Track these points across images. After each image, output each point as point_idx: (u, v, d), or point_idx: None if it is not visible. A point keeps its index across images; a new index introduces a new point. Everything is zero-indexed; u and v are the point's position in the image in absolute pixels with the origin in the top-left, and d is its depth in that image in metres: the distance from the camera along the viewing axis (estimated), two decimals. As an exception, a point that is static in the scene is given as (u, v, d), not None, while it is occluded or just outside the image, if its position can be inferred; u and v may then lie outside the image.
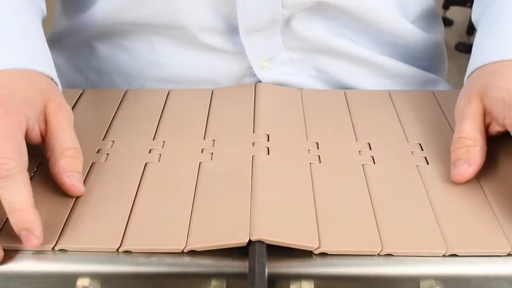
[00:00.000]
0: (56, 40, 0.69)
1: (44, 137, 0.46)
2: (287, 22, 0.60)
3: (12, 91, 0.45)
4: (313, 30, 0.61)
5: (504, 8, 0.54)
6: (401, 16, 0.63)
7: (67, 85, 0.68)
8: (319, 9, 0.60)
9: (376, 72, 0.65)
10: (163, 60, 0.63)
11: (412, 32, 0.65)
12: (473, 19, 0.60)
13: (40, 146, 0.47)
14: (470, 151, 0.47)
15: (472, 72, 0.52)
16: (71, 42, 0.67)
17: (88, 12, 0.62)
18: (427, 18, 0.68)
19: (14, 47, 0.49)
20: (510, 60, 0.49)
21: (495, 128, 0.48)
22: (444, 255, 0.41)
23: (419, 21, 0.67)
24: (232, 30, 0.60)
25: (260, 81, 0.62)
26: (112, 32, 0.63)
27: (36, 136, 0.46)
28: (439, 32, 0.70)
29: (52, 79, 0.50)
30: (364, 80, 0.65)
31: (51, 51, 0.53)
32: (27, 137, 0.45)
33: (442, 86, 0.69)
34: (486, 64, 0.50)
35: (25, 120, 0.44)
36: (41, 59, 0.50)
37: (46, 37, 0.54)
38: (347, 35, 0.63)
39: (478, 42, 0.54)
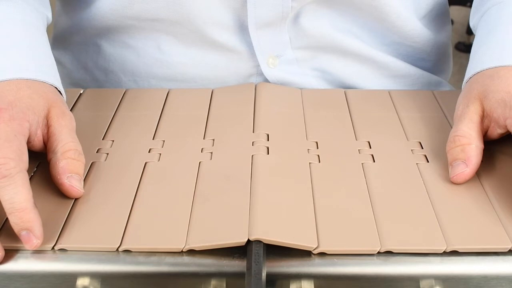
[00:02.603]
0: (61, 39, 0.69)
1: (46, 141, 0.47)
2: (295, 18, 0.60)
3: (17, 98, 0.46)
4: (320, 27, 0.61)
5: (501, 15, 0.55)
6: (412, 12, 0.63)
7: (73, 83, 0.69)
8: (327, 3, 0.60)
9: (380, 72, 0.65)
10: (169, 59, 0.63)
11: (420, 32, 0.64)
12: (471, 25, 0.61)
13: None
14: (466, 150, 0.47)
15: (470, 78, 0.52)
16: (76, 40, 0.67)
17: (91, 9, 0.62)
18: (437, 15, 0.68)
19: (22, 58, 0.50)
20: (507, 66, 0.49)
21: (496, 131, 0.49)
22: (444, 252, 0.41)
23: (429, 18, 0.66)
24: (240, 26, 0.60)
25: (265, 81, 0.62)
26: (117, 29, 0.63)
27: (38, 142, 0.47)
28: (447, 32, 0.70)
29: (56, 88, 0.50)
30: (367, 80, 0.65)
31: (56, 50, 0.53)
32: (29, 143, 0.46)
33: (445, 89, 0.69)
34: (484, 70, 0.51)
35: (28, 126, 0.45)
36: (47, 69, 0.51)
37: (49, 37, 0.54)
38: (354, 32, 0.63)
39: (475, 48, 0.54)
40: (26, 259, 0.41)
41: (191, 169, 0.48)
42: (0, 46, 0.50)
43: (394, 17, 0.62)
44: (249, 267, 0.38)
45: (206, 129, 0.54)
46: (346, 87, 0.65)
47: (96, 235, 0.42)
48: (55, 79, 0.51)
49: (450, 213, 0.43)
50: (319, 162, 0.49)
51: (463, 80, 0.54)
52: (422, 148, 0.51)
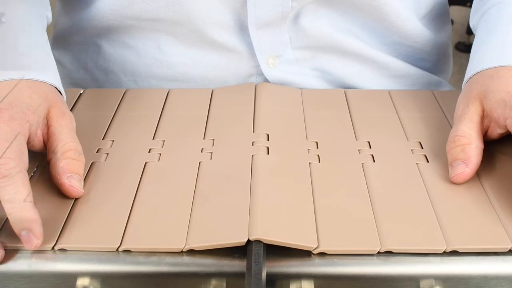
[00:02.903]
0: (61, 39, 0.69)
1: (46, 141, 0.47)
2: (295, 18, 0.60)
3: (17, 98, 0.46)
4: (320, 27, 0.61)
5: (501, 15, 0.55)
6: (412, 12, 0.63)
7: (73, 83, 0.69)
8: (327, 3, 0.60)
9: (380, 72, 0.65)
10: (169, 59, 0.63)
11: (420, 32, 0.64)
12: (471, 25, 0.61)
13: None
14: (466, 150, 0.47)
15: (470, 78, 0.52)
16: (76, 40, 0.67)
17: (91, 9, 0.62)
18: (437, 15, 0.68)
19: (22, 58, 0.50)
20: (507, 66, 0.49)
21: (496, 131, 0.49)
22: (444, 252, 0.41)
23: (429, 18, 0.66)
24: (240, 26, 0.60)
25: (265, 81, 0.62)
26: (117, 29, 0.63)
27: (38, 142, 0.47)
28: (447, 32, 0.70)
29: (56, 88, 0.50)
30: (367, 80, 0.65)
31: (56, 50, 0.53)
32: (29, 143, 0.46)
33: (445, 89, 0.69)
34: (484, 70, 0.51)
35: (28, 126, 0.45)
36: (47, 69, 0.51)
37: (49, 37, 0.54)
38: (354, 32, 0.63)
39: (475, 48, 0.54)
40: (26, 259, 0.41)
41: (191, 169, 0.48)
42: (0, 46, 0.50)
43: (394, 17, 0.62)
44: (249, 267, 0.38)
45: (206, 129, 0.54)
46: (346, 87, 0.65)
47: (96, 235, 0.42)
48: (55, 79, 0.51)
49: (450, 213, 0.43)
50: (319, 162, 0.49)
51: (463, 80, 0.54)
52: (422, 148, 0.51)
